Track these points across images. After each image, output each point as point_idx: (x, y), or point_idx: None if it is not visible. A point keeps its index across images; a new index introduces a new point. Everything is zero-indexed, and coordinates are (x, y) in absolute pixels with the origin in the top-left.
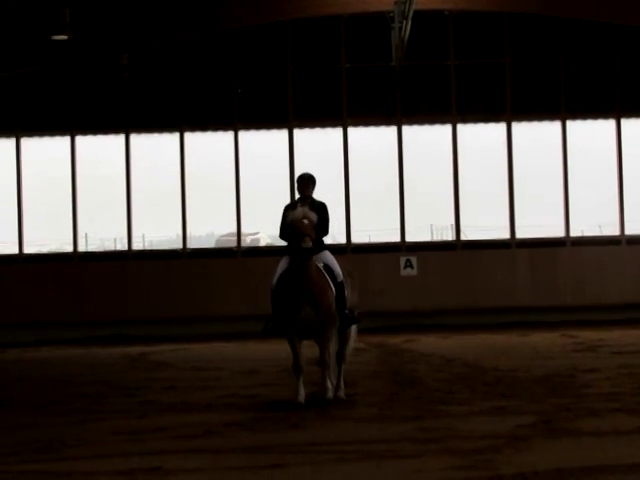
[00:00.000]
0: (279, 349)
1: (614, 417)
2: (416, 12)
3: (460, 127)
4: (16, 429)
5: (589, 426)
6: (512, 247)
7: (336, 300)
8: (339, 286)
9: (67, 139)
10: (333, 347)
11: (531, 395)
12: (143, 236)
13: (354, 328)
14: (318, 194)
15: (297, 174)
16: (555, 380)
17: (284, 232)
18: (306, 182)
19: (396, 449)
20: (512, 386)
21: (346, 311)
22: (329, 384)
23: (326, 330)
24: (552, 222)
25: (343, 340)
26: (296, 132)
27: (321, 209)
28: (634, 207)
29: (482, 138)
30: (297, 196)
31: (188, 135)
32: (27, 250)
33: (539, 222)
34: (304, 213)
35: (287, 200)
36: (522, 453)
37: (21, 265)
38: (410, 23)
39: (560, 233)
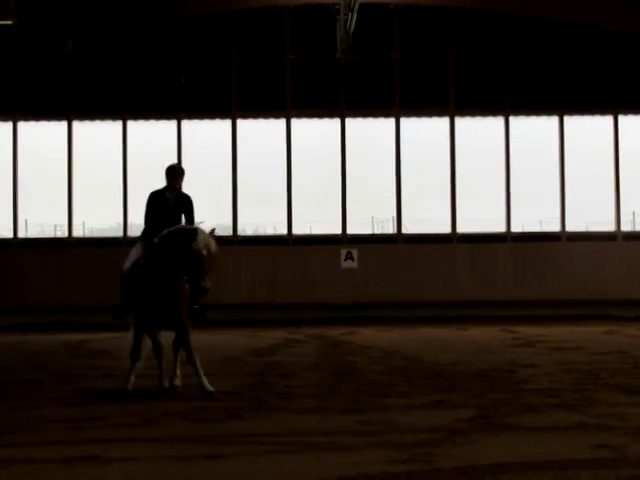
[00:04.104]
0: (216, 339)
1: (553, 413)
2: (362, 5)
3: (403, 120)
4: None
5: (528, 421)
6: (453, 241)
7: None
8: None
9: (9, 125)
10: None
11: (470, 389)
12: (84, 223)
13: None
14: (263, 184)
15: (240, 164)
16: (494, 375)
17: (149, 219)
18: (176, 173)
19: (335, 441)
20: (451, 380)
21: (196, 306)
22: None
23: (183, 321)
24: (493, 217)
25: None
26: (239, 122)
27: (187, 202)
28: (577, 204)
29: (425, 131)
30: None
31: (131, 123)
32: None
33: (480, 216)
34: (206, 242)
35: (229, 191)
36: (461, 447)
37: None
38: (356, 15)
39: (502, 228)
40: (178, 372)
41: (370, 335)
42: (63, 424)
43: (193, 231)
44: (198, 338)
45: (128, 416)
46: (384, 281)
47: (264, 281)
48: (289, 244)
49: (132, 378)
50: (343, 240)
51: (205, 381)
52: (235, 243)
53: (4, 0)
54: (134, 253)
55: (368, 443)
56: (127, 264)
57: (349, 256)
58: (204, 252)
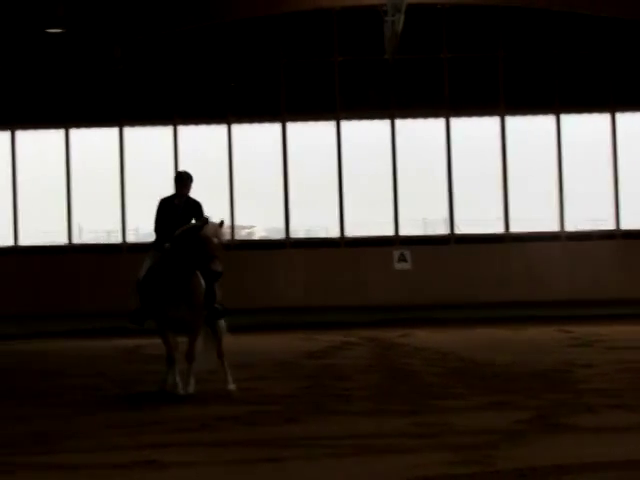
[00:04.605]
0: (271, 342)
1: (612, 413)
2: (409, 5)
3: (453, 120)
4: (12, 421)
5: (587, 422)
6: (506, 241)
7: (207, 295)
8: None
9: (62, 132)
10: (200, 343)
11: (528, 390)
12: (137, 229)
13: (222, 322)
14: (313, 187)
15: (290, 167)
16: (552, 375)
17: (158, 227)
18: (184, 181)
19: (393, 444)
20: (508, 381)
21: (216, 305)
22: (191, 379)
23: (197, 326)
24: (546, 216)
25: (217, 335)
26: (289, 125)
27: (197, 207)
28: (633, 202)
29: (475, 131)
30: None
31: (181, 128)
32: (22, 242)
33: (532, 216)
34: (215, 231)
35: (281, 195)
36: (519, 449)
37: (13, 257)
38: (403, 16)
39: (555, 227)
40: (229, 377)
41: (425, 337)
42: (122, 429)
43: (202, 221)
44: (253, 341)
45: (186, 421)
46: (437, 282)
47: (317, 284)
48: (342, 246)
49: (177, 381)
50: (395, 241)
51: (192, 384)
52: (288, 246)
53: (54, 9)
54: (148, 261)
55: (426, 445)
56: (142, 272)
57: (402, 257)
58: (214, 239)
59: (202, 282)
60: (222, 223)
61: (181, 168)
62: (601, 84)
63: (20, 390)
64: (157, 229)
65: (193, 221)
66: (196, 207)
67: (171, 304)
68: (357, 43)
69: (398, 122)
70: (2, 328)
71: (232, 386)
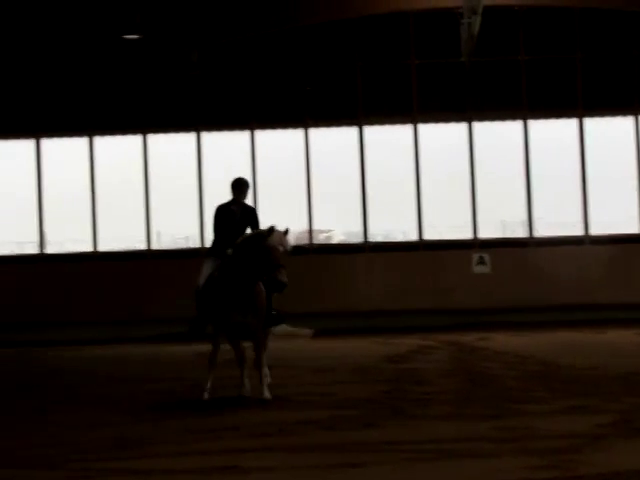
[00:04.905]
0: (349, 346)
1: None
2: (485, 7)
3: (531, 122)
4: (94, 427)
5: None
6: (585, 243)
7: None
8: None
9: (139, 138)
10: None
11: (610, 394)
12: None
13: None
14: (391, 190)
15: (368, 171)
16: (634, 379)
17: (217, 233)
18: (242, 187)
19: (473, 448)
20: (590, 384)
21: (273, 312)
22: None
23: (261, 332)
24: (626, 218)
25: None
26: (366, 129)
27: (252, 214)
28: None
29: (553, 133)
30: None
31: (258, 132)
32: (101, 248)
33: (612, 218)
34: (281, 239)
35: (358, 198)
36: (602, 453)
37: (92, 263)
38: (480, 18)
39: (635, 229)
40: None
41: (504, 340)
42: (201, 434)
43: (268, 230)
44: (332, 345)
45: (265, 425)
46: (516, 285)
47: (396, 287)
48: (420, 250)
49: (208, 385)
50: (474, 245)
51: (266, 389)
52: (366, 250)
53: (130, 15)
54: (207, 268)
55: (507, 450)
56: (201, 279)
57: (481, 260)
58: (280, 248)
59: (263, 288)
60: (287, 231)
61: (259, 172)
62: None
63: (100, 396)
64: (216, 235)
65: (248, 230)
66: (252, 214)
67: (235, 310)
68: (433, 46)
69: (475, 124)
70: (82, 333)
71: (267, 394)
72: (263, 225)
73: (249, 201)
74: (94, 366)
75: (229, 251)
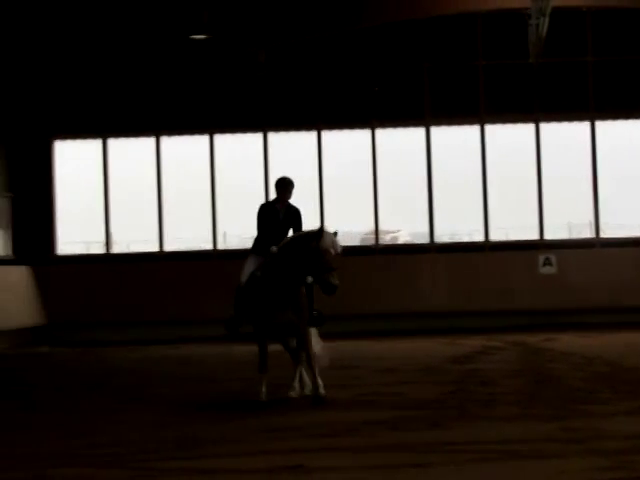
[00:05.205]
0: (415, 347)
1: None
2: (554, 9)
3: (598, 123)
4: (158, 426)
5: None
6: None
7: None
8: (310, 288)
9: (206, 138)
10: (314, 344)
11: None
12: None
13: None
14: (457, 191)
15: (434, 172)
16: None
17: (261, 231)
18: (287, 186)
19: (539, 449)
20: None
21: (314, 312)
22: (319, 381)
23: (305, 330)
24: None
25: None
26: (433, 129)
27: (296, 214)
28: None
29: (620, 135)
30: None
31: (325, 133)
32: (166, 248)
33: None
34: (332, 242)
35: (425, 199)
36: None
37: (158, 263)
38: (548, 19)
39: None
40: (307, 381)
41: (570, 341)
42: (266, 434)
43: (319, 231)
44: (398, 346)
45: (330, 425)
46: (583, 286)
47: (461, 288)
48: (486, 251)
49: (263, 389)
50: (540, 246)
51: (321, 387)
52: (432, 251)
53: (198, 15)
54: (249, 266)
55: (573, 451)
56: (243, 277)
57: (547, 262)
58: (331, 250)
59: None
60: (336, 233)
61: (325, 173)
62: None
63: (164, 395)
64: (259, 234)
65: (290, 232)
66: (296, 214)
67: (279, 309)
68: (501, 47)
69: (542, 125)
70: (146, 333)
71: (322, 390)
72: (308, 226)
73: (314, 200)
74: (158, 366)
75: (273, 249)
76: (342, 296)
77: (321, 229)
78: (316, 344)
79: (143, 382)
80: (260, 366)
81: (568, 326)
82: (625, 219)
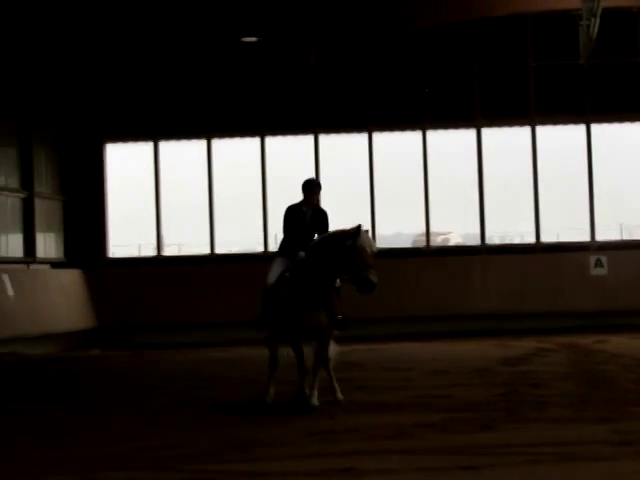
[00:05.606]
0: (465, 349)
1: None
2: (604, 9)
3: None
4: (209, 428)
5: None
6: None
7: None
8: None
9: (257, 140)
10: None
11: None
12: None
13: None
14: (508, 193)
15: (485, 173)
16: None
17: (288, 233)
18: (314, 188)
19: (591, 451)
20: None
21: (339, 316)
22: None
23: (331, 333)
24: None
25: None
26: (484, 131)
27: (323, 217)
28: None
29: None
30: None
31: (376, 135)
32: (218, 250)
33: None
34: (369, 240)
35: (476, 201)
36: None
37: (208, 265)
38: (599, 20)
39: None
40: (336, 385)
41: (621, 343)
42: (320, 436)
43: (356, 229)
44: (448, 348)
45: (382, 428)
46: (634, 288)
47: (512, 290)
48: (537, 252)
49: (271, 390)
50: (591, 247)
51: (338, 389)
52: (483, 252)
53: (249, 18)
54: (276, 267)
55: (624, 453)
56: (271, 278)
57: (598, 263)
58: (368, 249)
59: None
60: (367, 232)
61: (376, 174)
62: None
63: (214, 398)
64: (286, 236)
65: (316, 235)
66: (323, 217)
67: (311, 311)
68: (552, 48)
69: (593, 126)
70: (197, 335)
71: (340, 395)
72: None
73: (365, 201)
74: (209, 368)
75: (301, 254)
76: (392, 298)
77: (358, 227)
78: (332, 348)
79: (193, 385)
80: (271, 366)
81: (619, 328)
82: None
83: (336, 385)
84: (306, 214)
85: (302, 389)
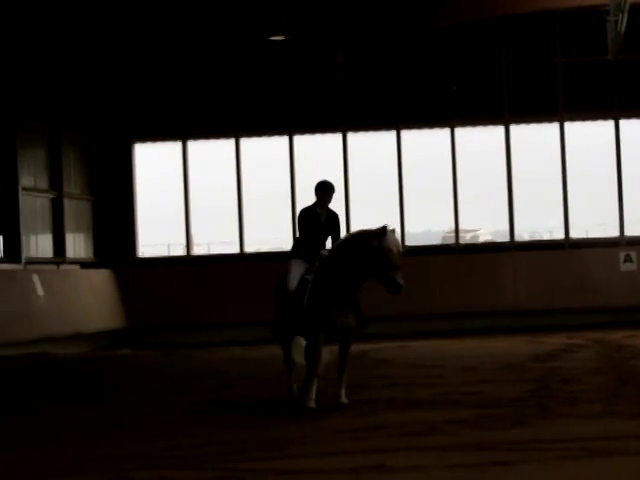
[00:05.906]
0: (496, 345)
1: None
2: (632, 5)
3: None
4: (240, 427)
5: None
6: None
7: None
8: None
9: (285, 139)
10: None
11: None
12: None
13: None
14: (537, 189)
15: (514, 170)
16: None
17: (303, 235)
18: (327, 191)
19: (622, 447)
20: None
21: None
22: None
23: (355, 335)
24: None
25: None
26: (512, 128)
27: (335, 219)
28: None
29: None
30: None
31: (404, 132)
32: (248, 249)
33: None
34: (395, 240)
35: (504, 197)
36: None
37: (238, 265)
38: (626, 16)
39: None
40: (344, 390)
41: None
42: (350, 434)
43: (382, 229)
44: (479, 345)
45: (413, 425)
46: None
47: (541, 286)
48: (566, 248)
49: (294, 386)
50: (621, 242)
51: (344, 393)
52: (512, 249)
53: (276, 17)
54: (295, 270)
55: None
56: (292, 282)
57: (628, 258)
58: (394, 249)
59: None
60: (393, 231)
61: (405, 171)
62: None
63: (246, 396)
64: (302, 238)
65: (329, 240)
66: (335, 219)
67: (340, 312)
68: (579, 44)
69: (622, 122)
70: (228, 334)
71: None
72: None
73: (394, 198)
74: (239, 367)
75: (324, 252)
76: (422, 295)
77: (384, 228)
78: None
79: (224, 383)
80: (286, 363)
81: None
82: None
83: (344, 390)
84: (320, 216)
85: (291, 389)
